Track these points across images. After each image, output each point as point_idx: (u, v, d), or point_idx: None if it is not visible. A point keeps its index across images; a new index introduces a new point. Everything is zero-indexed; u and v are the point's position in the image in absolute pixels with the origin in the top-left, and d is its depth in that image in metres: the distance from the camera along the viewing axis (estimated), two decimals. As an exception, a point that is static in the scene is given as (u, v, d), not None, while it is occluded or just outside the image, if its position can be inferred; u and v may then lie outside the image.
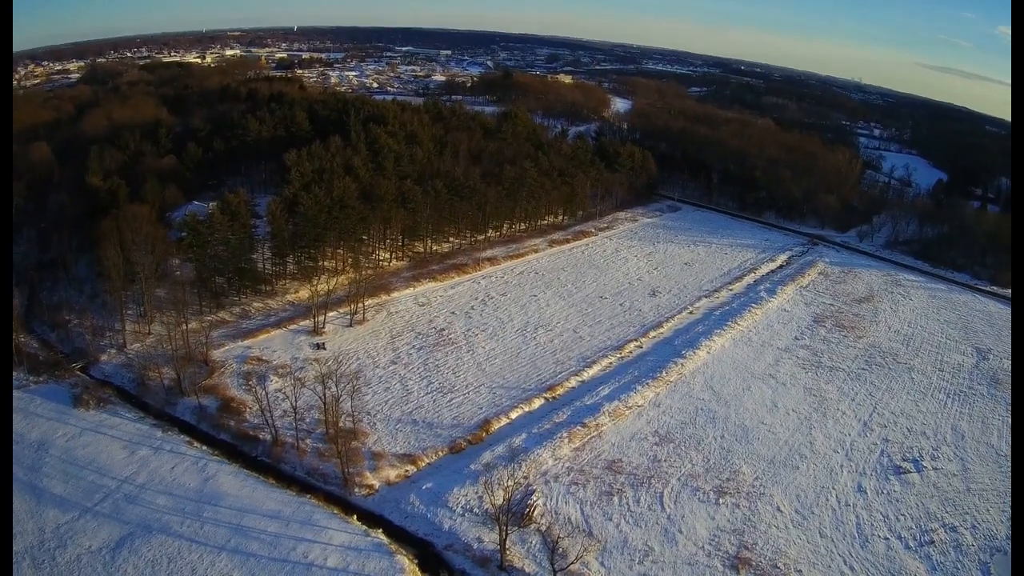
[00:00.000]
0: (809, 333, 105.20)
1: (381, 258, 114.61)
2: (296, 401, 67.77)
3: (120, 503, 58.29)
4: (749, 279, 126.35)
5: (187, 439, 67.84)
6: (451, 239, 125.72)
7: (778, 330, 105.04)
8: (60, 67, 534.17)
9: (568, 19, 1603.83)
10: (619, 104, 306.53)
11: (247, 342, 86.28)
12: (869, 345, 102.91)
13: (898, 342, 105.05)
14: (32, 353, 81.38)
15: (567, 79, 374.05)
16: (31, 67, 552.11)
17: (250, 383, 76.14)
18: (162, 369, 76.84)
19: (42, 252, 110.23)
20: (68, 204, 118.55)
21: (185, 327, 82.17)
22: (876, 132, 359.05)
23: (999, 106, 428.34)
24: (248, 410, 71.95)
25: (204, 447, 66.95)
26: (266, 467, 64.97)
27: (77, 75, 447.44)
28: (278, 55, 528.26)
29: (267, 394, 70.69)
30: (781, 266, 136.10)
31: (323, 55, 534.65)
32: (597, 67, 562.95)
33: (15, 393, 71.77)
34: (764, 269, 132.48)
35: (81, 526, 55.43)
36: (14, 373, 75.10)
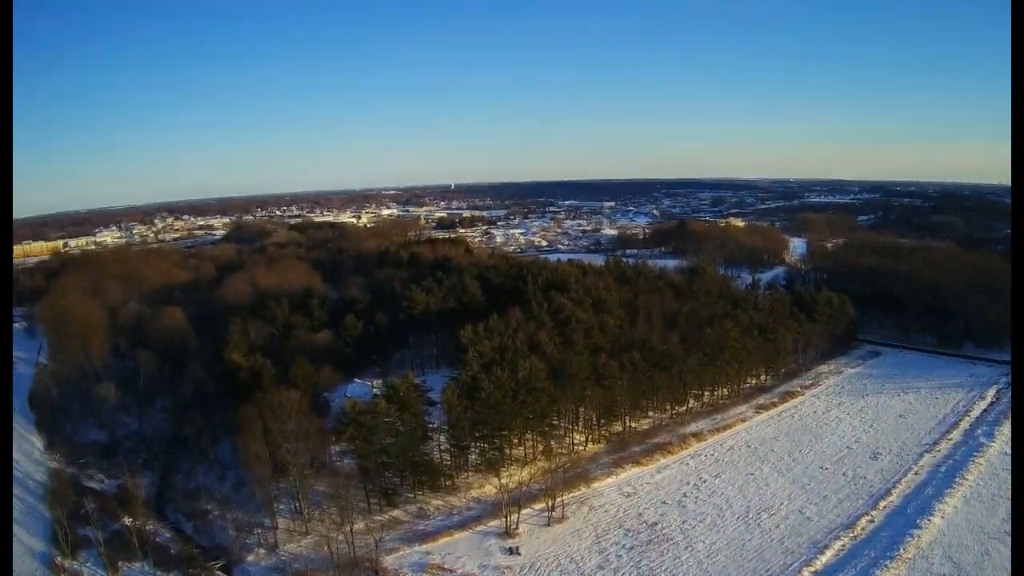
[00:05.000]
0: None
1: (576, 442, 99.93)
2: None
3: None
4: (965, 424, 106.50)
5: None
6: (650, 413, 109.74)
7: (1004, 478, 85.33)
8: (203, 222, 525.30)
9: (720, 155, 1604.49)
10: (795, 243, 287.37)
11: (425, 546, 73.41)
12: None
13: None
14: (163, 544, 73.37)
15: (739, 223, 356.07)
16: (170, 220, 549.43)
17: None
18: (322, 577, 65.32)
19: (177, 428, 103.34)
20: (206, 379, 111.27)
21: (350, 528, 71.00)
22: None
23: None
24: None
25: None
26: None
27: (221, 231, 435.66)
28: (437, 214, 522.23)
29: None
30: (992, 403, 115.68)
31: (484, 212, 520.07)
32: (762, 206, 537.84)
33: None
34: (976, 409, 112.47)
35: None
36: (137, 564, 67.93)
